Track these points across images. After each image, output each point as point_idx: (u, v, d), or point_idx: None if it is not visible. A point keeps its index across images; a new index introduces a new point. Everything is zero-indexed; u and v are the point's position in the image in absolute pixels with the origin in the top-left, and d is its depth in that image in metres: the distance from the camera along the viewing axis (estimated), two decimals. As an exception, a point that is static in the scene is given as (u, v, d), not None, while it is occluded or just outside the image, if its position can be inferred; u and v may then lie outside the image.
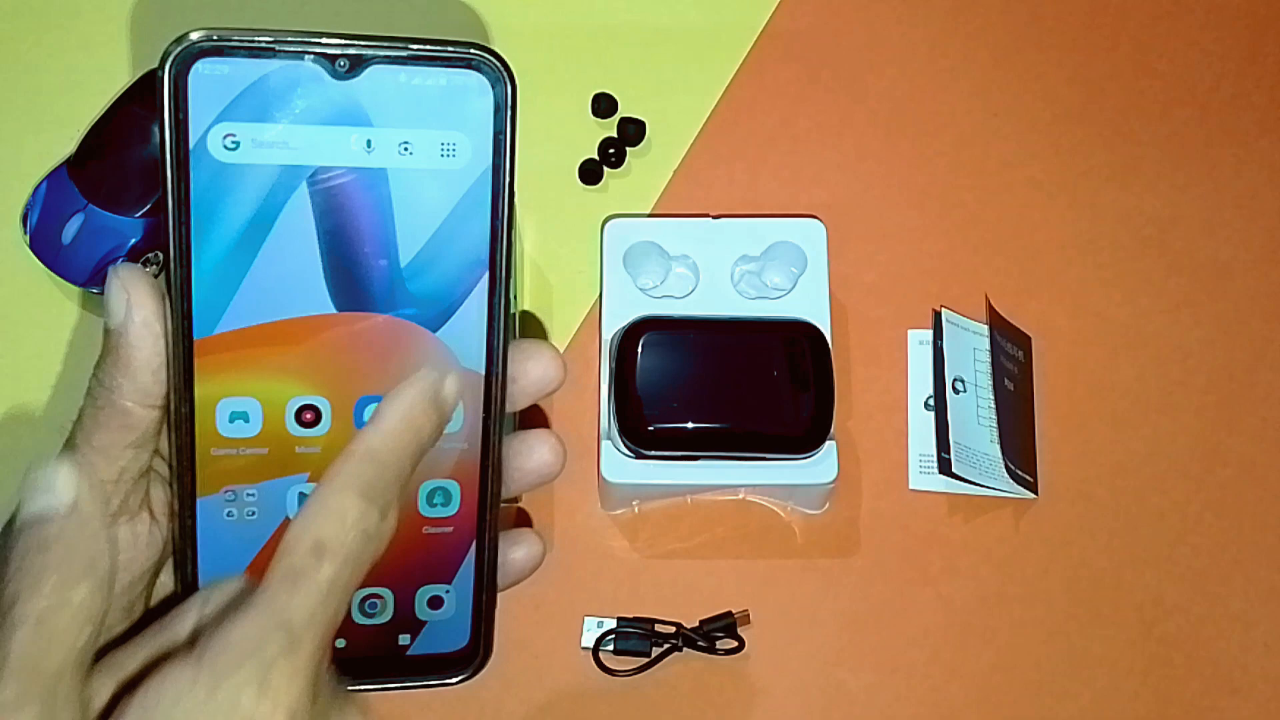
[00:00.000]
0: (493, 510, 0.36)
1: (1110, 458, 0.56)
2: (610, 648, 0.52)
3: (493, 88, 0.33)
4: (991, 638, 0.54)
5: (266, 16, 0.63)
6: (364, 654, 0.36)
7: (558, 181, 0.60)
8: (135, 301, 0.32)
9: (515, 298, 0.37)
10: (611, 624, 0.53)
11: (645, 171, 0.61)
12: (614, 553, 0.55)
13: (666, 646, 0.52)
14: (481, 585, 0.36)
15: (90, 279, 0.55)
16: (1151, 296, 0.59)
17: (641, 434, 0.52)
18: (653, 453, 0.52)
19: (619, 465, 0.52)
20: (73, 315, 0.57)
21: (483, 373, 0.35)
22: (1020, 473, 0.55)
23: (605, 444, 0.53)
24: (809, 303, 0.55)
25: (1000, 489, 0.55)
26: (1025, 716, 0.53)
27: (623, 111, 0.61)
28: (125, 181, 0.55)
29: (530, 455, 0.37)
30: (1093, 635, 0.54)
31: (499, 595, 0.37)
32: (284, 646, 0.28)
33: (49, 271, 0.56)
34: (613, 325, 0.54)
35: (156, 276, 0.56)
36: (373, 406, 0.33)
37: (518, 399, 0.36)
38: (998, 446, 0.55)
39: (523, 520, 0.54)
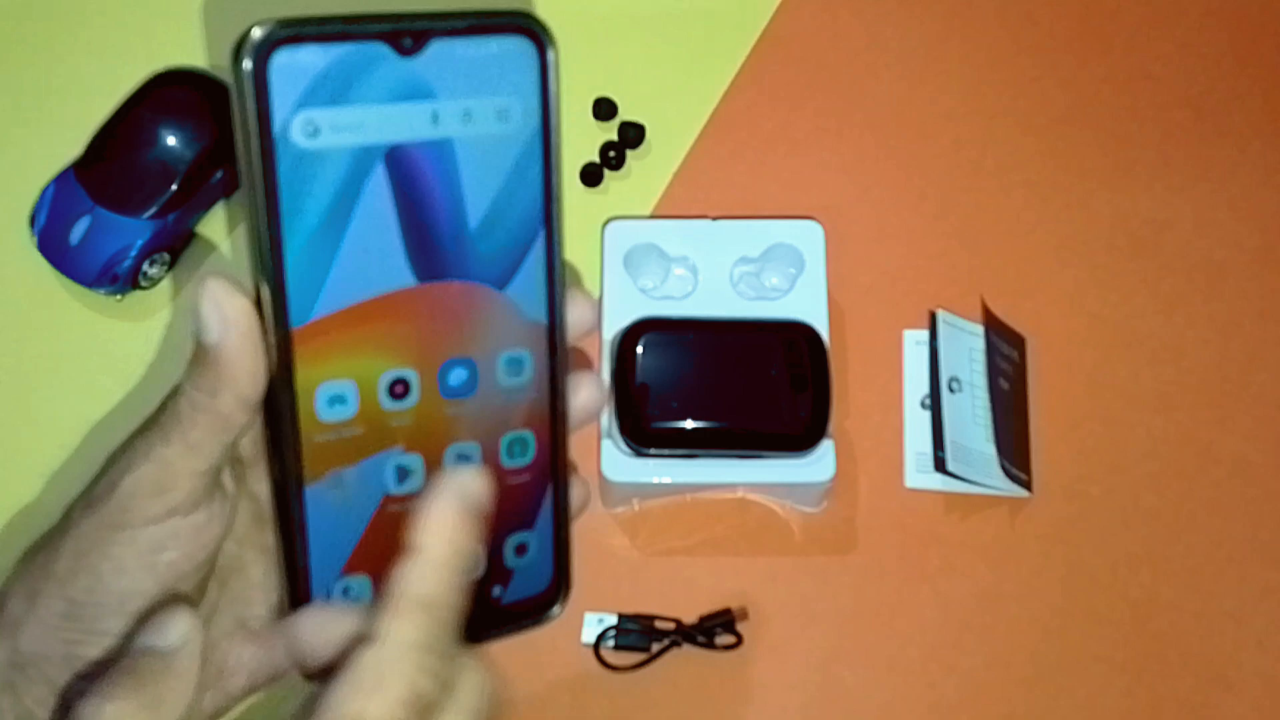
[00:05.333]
0: (563, 451, 0.37)
1: (1104, 456, 0.57)
2: (610, 644, 0.53)
3: (538, 52, 0.34)
4: (987, 634, 0.54)
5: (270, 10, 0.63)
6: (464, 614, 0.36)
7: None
8: (231, 319, 0.32)
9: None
10: (612, 620, 0.53)
11: (645, 174, 0.61)
12: (614, 550, 0.55)
13: (666, 643, 0.53)
14: (560, 524, 0.37)
15: (97, 279, 0.56)
16: (1145, 297, 0.60)
17: (641, 433, 0.52)
18: (652, 451, 0.53)
19: (619, 463, 0.53)
20: (80, 316, 0.58)
21: (545, 323, 0.36)
22: (1015, 471, 0.55)
23: (605, 442, 0.53)
24: (807, 303, 0.56)
25: (995, 487, 0.55)
26: (1020, 712, 0.53)
27: (623, 115, 0.62)
28: (132, 183, 0.56)
29: (577, 395, 0.37)
30: (1087, 632, 0.54)
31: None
32: None
33: (57, 272, 0.56)
34: (613, 326, 0.55)
35: (163, 276, 0.56)
36: (456, 370, 0.35)
37: None
38: (993, 445, 0.56)
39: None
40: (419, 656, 0.29)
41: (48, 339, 0.58)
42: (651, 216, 0.60)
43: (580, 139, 0.61)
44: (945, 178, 0.61)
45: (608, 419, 0.54)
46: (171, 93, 0.57)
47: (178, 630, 0.31)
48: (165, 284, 0.58)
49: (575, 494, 0.38)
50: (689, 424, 0.53)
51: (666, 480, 0.54)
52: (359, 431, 0.34)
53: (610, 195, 0.61)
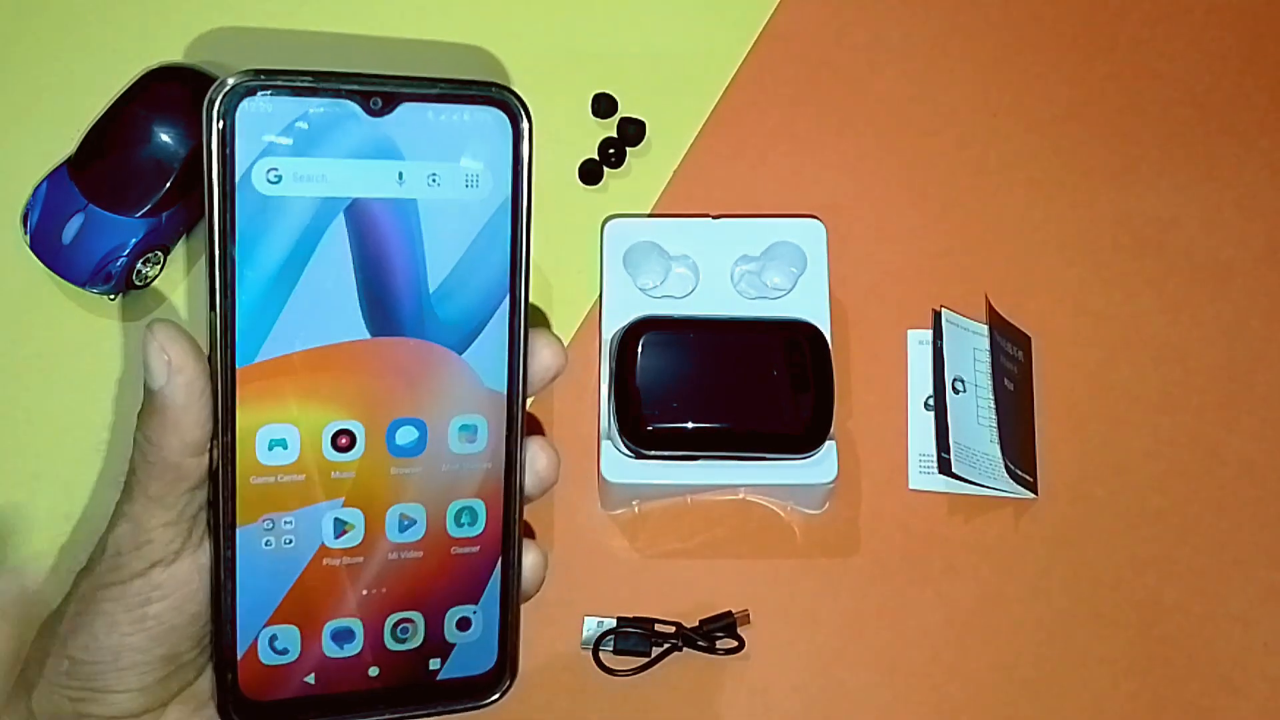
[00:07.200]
0: (517, 527, 0.37)
1: (1110, 457, 0.56)
2: (610, 647, 0.52)
3: (512, 123, 0.35)
4: (991, 637, 0.54)
5: (260, 11, 0.63)
6: (397, 682, 0.36)
7: (558, 181, 0.60)
8: (176, 365, 0.32)
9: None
10: (611, 624, 0.53)
11: (645, 171, 0.61)
12: (614, 552, 0.55)
13: (666, 646, 0.52)
14: (507, 604, 0.37)
15: (90, 279, 0.55)
16: (1151, 296, 0.59)
17: (641, 434, 0.52)
18: (653, 452, 0.52)
19: (619, 465, 0.52)
20: (73, 315, 0.57)
21: (504, 392, 0.36)
22: (1020, 472, 0.55)
23: (605, 444, 0.53)
24: (809, 303, 0.55)
25: (1000, 489, 0.55)
26: (1024, 716, 0.53)
27: (623, 111, 0.61)
28: (126, 181, 0.55)
29: (534, 463, 0.37)
30: (1092, 635, 0.54)
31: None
32: None
33: (49, 271, 0.56)
34: (613, 325, 0.54)
35: (157, 275, 0.56)
36: (405, 428, 0.35)
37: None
38: (997, 446, 0.55)
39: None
40: None
41: (41, 339, 0.57)
42: (651, 215, 0.60)
43: (579, 136, 0.61)
44: (948, 175, 0.61)
45: (607, 420, 0.53)
46: (165, 89, 0.56)
47: None
48: (159, 283, 0.58)
49: (530, 564, 0.38)
50: (689, 425, 0.52)
51: (667, 482, 0.53)
52: (299, 479, 0.34)
53: (610, 193, 0.60)
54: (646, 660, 0.52)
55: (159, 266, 0.57)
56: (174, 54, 0.59)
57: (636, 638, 0.52)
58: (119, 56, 0.59)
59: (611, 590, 0.54)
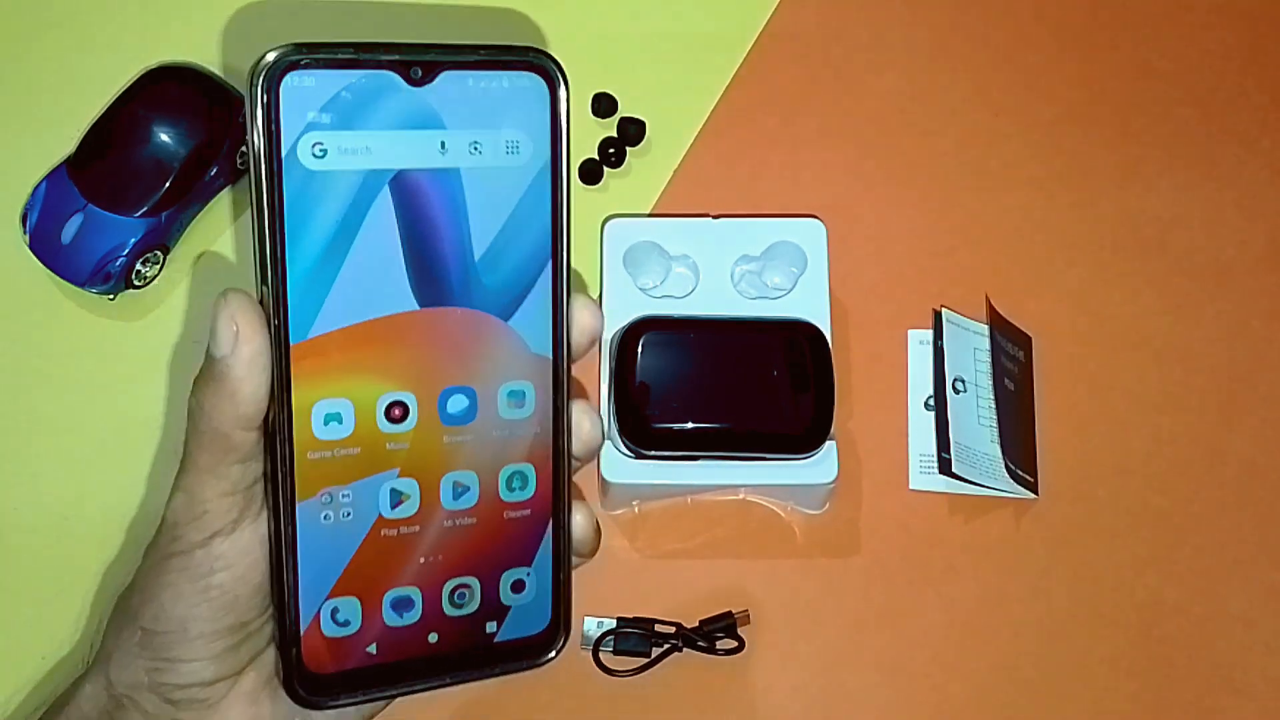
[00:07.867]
0: (566, 487, 0.37)
1: (1111, 458, 0.56)
2: (610, 648, 0.52)
3: (550, 88, 0.35)
4: (992, 638, 0.54)
5: (261, 16, 0.63)
6: (455, 647, 0.37)
7: (558, 181, 0.60)
8: (244, 335, 0.32)
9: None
10: (611, 624, 0.53)
11: (645, 171, 0.61)
12: (614, 552, 0.55)
13: (666, 646, 0.52)
14: (559, 564, 0.38)
15: (90, 278, 0.55)
16: (1152, 296, 0.59)
17: (641, 434, 0.52)
18: (653, 453, 0.52)
19: (619, 465, 0.52)
20: (72, 315, 0.57)
21: (550, 357, 0.36)
22: (1021, 473, 0.55)
23: (605, 444, 0.53)
24: (809, 302, 0.55)
25: (1001, 489, 0.55)
26: (1025, 716, 0.53)
27: (623, 111, 0.61)
28: (125, 181, 0.55)
29: (579, 429, 0.38)
30: (1093, 635, 0.54)
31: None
32: None
33: (48, 271, 0.56)
34: (613, 325, 0.54)
35: (156, 275, 0.56)
36: (455, 397, 0.35)
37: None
38: (998, 446, 0.55)
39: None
40: None
41: (40, 339, 0.57)
42: (652, 214, 0.59)
43: (579, 135, 0.61)
44: (949, 175, 0.61)
45: (607, 420, 0.53)
46: (164, 89, 0.56)
47: None
48: (158, 283, 0.58)
49: (580, 523, 0.38)
50: (690, 425, 0.52)
51: (667, 482, 0.53)
52: (354, 452, 0.34)
53: (610, 193, 0.60)
54: (646, 660, 0.52)
55: (158, 266, 0.57)
56: (174, 53, 0.59)
57: (636, 638, 0.52)
58: (119, 56, 0.59)
59: (611, 590, 0.54)
